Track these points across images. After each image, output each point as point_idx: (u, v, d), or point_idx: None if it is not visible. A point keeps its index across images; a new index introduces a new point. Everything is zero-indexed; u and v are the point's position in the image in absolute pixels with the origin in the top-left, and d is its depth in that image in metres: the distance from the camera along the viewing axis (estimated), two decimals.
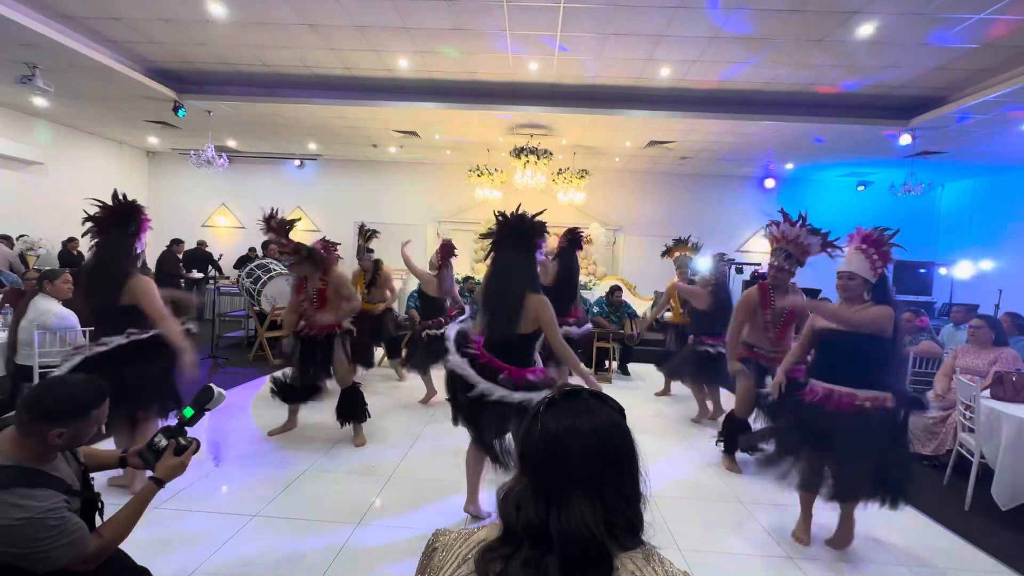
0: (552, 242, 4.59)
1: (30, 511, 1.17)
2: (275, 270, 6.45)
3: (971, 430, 3.29)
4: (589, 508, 0.71)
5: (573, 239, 4.44)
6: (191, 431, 1.59)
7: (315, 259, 3.76)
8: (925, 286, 9.44)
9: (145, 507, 1.45)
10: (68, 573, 1.28)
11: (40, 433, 1.24)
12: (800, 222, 3.23)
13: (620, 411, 0.81)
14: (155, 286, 2.79)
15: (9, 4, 4.49)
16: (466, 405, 2.56)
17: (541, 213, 2.70)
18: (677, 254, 5.39)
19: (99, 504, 1.47)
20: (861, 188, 10.05)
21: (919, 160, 7.80)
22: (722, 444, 3.71)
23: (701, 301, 4.62)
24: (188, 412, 1.57)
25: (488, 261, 2.75)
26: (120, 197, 2.83)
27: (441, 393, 4.81)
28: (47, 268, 4.70)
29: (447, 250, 4.85)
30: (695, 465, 3.74)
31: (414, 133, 8.10)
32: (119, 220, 2.80)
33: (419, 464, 3.50)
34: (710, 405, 4.73)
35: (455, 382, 2.60)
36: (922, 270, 9.48)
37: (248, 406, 4.62)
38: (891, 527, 2.86)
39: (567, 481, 0.73)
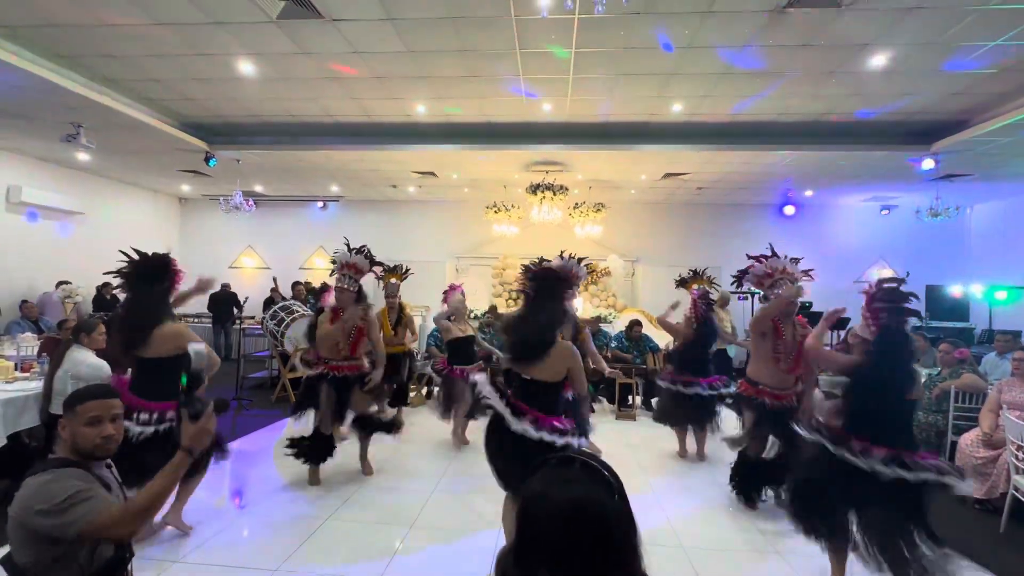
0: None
1: (57, 476, 1.36)
2: (298, 311, 6.56)
3: None
4: None
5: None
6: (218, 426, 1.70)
7: (363, 295, 3.81)
8: (962, 312, 9.04)
9: (175, 475, 1.48)
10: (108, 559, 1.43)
11: (68, 423, 1.46)
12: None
13: (610, 487, 0.73)
14: (185, 328, 2.94)
15: (58, 71, 4.84)
16: (500, 454, 2.57)
17: (582, 260, 2.87)
18: (695, 287, 5.30)
19: (130, 554, 1.52)
20: (885, 213, 9.85)
21: (944, 183, 7.64)
22: (733, 486, 3.57)
23: (679, 336, 4.79)
24: (183, 380, 1.82)
25: (518, 309, 2.82)
26: (150, 254, 2.99)
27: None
28: (84, 317, 4.86)
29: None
30: (720, 505, 3.58)
31: (432, 173, 8.31)
32: (150, 275, 2.95)
33: (442, 507, 3.43)
34: (692, 444, 4.71)
35: (496, 433, 2.62)
36: (957, 295, 9.11)
37: (270, 449, 4.63)
38: None
39: (531, 551, 0.70)
